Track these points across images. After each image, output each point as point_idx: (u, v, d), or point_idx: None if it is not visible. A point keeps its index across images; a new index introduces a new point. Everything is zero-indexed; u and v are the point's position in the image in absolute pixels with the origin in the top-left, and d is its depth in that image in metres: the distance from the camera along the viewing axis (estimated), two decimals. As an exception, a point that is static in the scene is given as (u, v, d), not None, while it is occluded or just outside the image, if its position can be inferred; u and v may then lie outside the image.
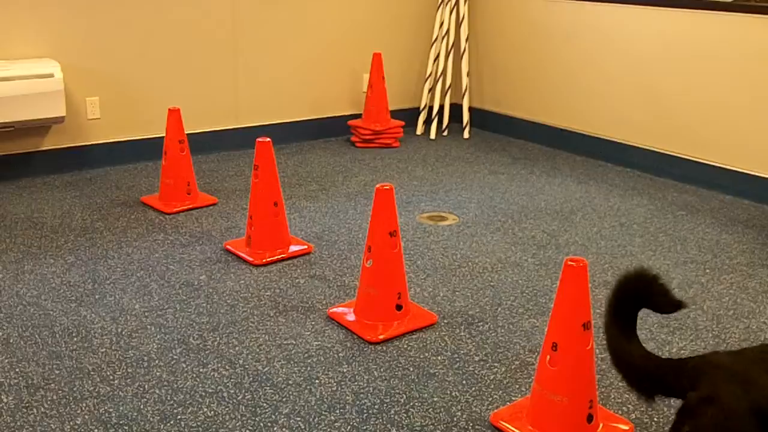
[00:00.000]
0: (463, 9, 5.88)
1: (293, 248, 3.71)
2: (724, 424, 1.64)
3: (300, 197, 4.51)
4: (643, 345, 1.91)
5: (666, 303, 1.91)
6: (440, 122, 6.07)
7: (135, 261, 3.60)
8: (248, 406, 2.52)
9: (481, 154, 5.50)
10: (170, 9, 4.98)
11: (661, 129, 5.00)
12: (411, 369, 2.75)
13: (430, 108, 6.07)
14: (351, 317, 3.07)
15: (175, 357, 2.80)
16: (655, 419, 2.50)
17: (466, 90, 5.98)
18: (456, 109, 6.11)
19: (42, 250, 3.70)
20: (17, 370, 2.70)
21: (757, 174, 4.55)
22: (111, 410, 2.49)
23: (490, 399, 2.59)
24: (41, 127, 4.69)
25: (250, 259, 3.60)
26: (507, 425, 2.42)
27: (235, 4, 5.22)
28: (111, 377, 2.67)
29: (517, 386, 2.66)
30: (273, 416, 2.47)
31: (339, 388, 2.63)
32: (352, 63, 5.82)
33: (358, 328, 3.00)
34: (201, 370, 2.73)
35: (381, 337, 2.94)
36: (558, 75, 5.55)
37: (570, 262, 2.25)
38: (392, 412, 2.51)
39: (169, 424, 2.42)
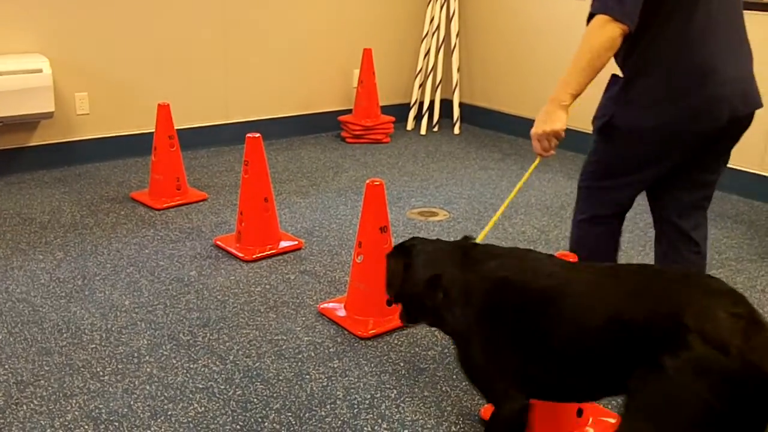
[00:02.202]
0: (454, 5, 5.89)
1: (283, 244, 3.71)
2: None
3: (290, 193, 4.51)
4: None
5: None
6: (431, 118, 6.07)
7: (125, 257, 3.59)
8: (239, 402, 2.52)
9: (471, 149, 5.51)
10: (160, 4, 4.96)
11: (651, 125, 5.01)
12: (401, 364, 2.76)
13: (421, 104, 6.07)
14: (341, 313, 3.07)
15: (165, 353, 2.80)
16: (645, 413, 2.51)
17: (456, 86, 5.98)
18: (446, 104, 6.12)
19: (31, 246, 3.68)
20: (6, 366, 2.69)
21: (745, 170, 4.58)
22: (101, 406, 2.48)
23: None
24: (30, 122, 4.67)
25: (241, 254, 3.59)
26: (497, 420, 2.43)
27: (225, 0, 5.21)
28: (101, 373, 2.66)
29: (508, 381, 2.67)
30: (264, 412, 2.47)
31: (330, 384, 2.63)
32: (343, 59, 5.82)
33: (348, 323, 3.00)
34: (191, 365, 2.72)
35: (372, 332, 2.94)
36: (549, 71, 5.56)
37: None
38: (383, 407, 2.52)
39: (159, 420, 2.42)
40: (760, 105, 2.42)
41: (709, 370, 1.61)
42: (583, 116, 5.53)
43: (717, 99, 2.34)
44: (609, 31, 2.25)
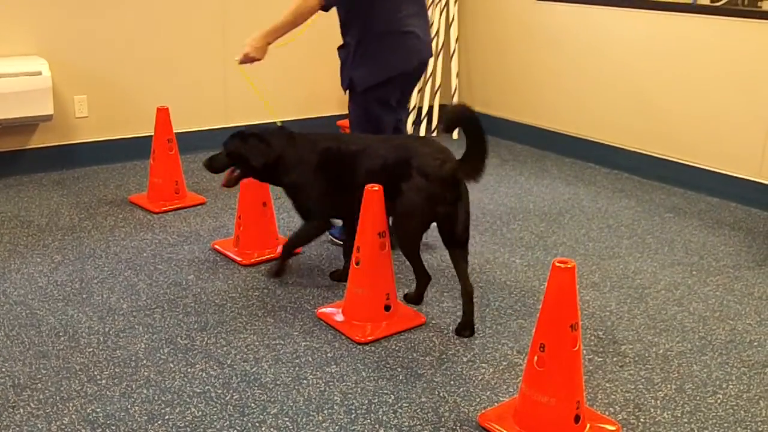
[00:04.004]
0: (453, 10, 5.90)
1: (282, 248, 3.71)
2: None
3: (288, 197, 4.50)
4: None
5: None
6: (429, 123, 6.08)
7: (123, 260, 3.59)
8: (236, 406, 2.52)
9: (469, 155, 5.50)
10: (160, 7, 4.97)
11: (649, 131, 5.02)
12: (399, 369, 2.76)
13: (420, 109, 6.08)
14: (339, 317, 3.07)
15: (162, 357, 2.80)
16: (642, 420, 2.51)
17: (455, 91, 5.99)
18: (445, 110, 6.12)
19: (29, 249, 3.68)
20: (4, 369, 2.69)
21: (743, 177, 4.59)
22: (98, 410, 2.48)
23: (477, 400, 2.60)
24: (29, 125, 4.67)
25: (239, 259, 3.59)
26: (494, 426, 2.43)
27: (225, 3, 5.21)
28: (98, 377, 2.66)
29: (505, 387, 2.67)
30: (261, 416, 2.47)
31: (327, 389, 2.63)
32: (342, 63, 5.82)
33: (346, 328, 3.00)
34: (189, 369, 2.72)
35: (369, 337, 2.94)
36: (547, 77, 5.57)
37: (558, 264, 2.26)
38: (380, 412, 2.52)
39: (156, 424, 2.42)
40: (431, 54, 3.64)
41: (420, 188, 2.94)
42: (579, 122, 5.56)
43: (414, 51, 3.51)
44: (308, 4, 3.41)
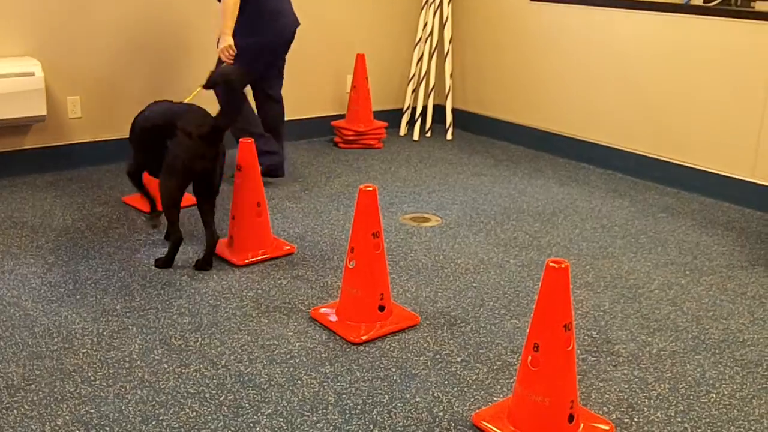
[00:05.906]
0: (447, 10, 5.90)
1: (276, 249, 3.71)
2: None
3: (283, 198, 4.50)
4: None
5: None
6: (423, 123, 6.08)
7: (116, 261, 3.58)
8: (230, 407, 2.52)
9: (464, 155, 5.52)
10: (152, 8, 4.96)
11: (643, 132, 5.04)
12: (393, 370, 2.76)
13: (414, 109, 6.08)
14: (333, 318, 3.07)
15: (156, 357, 2.80)
16: (636, 419, 2.52)
17: (449, 91, 6.00)
18: (439, 110, 6.13)
19: (22, 250, 3.67)
20: (-3, 370, 2.68)
21: (737, 177, 4.60)
22: (92, 411, 2.48)
23: (472, 399, 2.60)
24: (22, 126, 4.66)
25: (233, 259, 3.59)
26: (489, 425, 2.43)
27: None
28: (92, 378, 2.66)
29: (499, 387, 2.68)
30: (255, 417, 2.47)
31: (321, 389, 2.63)
32: (336, 64, 5.82)
33: (340, 328, 3.00)
34: (183, 370, 2.72)
35: (363, 337, 2.94)
36: (541, 77, 5.58)
37: (552, 264, 2.27)
38: (374, 412, 2.52)
39: (150, 425, 2.42)
40: (299, 24, 4.59)
41: (182, 143, 3.38)
42: (573, 122, 5.56)
43: (285, 25, 4.50)
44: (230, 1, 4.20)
